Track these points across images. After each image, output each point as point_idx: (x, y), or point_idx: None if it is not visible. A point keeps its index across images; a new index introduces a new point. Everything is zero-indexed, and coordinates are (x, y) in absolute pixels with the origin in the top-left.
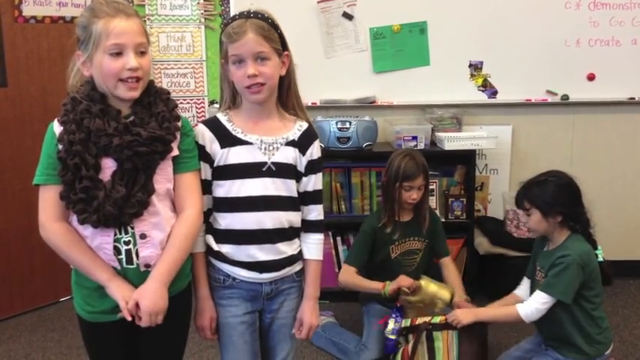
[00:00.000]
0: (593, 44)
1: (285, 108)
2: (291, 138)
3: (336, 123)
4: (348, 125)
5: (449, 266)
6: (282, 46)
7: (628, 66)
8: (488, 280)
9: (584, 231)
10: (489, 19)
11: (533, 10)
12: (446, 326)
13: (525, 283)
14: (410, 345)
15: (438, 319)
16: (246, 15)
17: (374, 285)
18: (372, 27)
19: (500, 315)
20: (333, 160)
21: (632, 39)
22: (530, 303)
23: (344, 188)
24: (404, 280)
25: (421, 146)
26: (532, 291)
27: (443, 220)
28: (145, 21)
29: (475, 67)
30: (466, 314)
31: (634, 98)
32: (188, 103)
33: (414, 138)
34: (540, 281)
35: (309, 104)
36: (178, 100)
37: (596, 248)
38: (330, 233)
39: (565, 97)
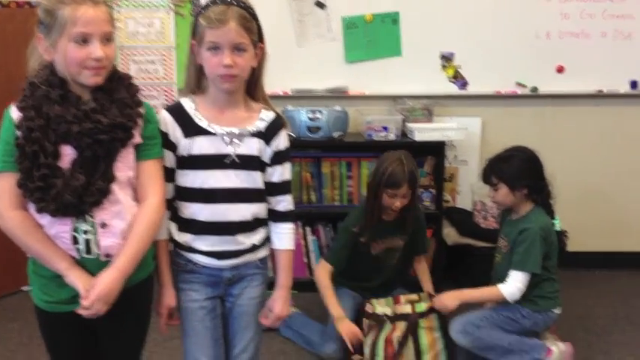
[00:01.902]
0: (563, 36)
1: (253, 98)
2: (256, 129)
3: (307, 112)
4: (318, 115)
5: (422, 262)
6: (258, 37)
7: (597, 59)
8: (456, 271)
9: (545, 203)
10: (461, 10)
11: (504, 2)
12: (431, 311)
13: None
14: (395, 342)
15: (423, 307)
16: (228, 1)
17: (331, 309)
18: (345, 16)
19: (484, 295)
20: (303, 149)
21: (602, 31)
22: (511, 283)
23: (314, 178)
24: (348, 335)
25: (392, 137)
26: (498, 258)
27: None
28: (112, 6)
29: (446, 59)
30: (451, 299)
31: (602, 91)
32: (157, 90)
33: (385, 128)
34: (504, 249)
35: (281, 93)
36: (147, 87)
37: (554, 218)
38: (299, 223)
39: (534, 89)
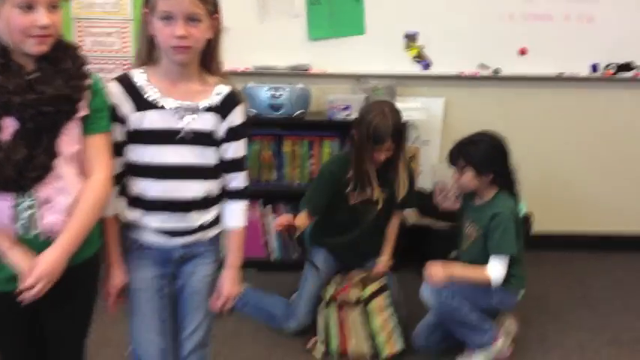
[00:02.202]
0: (527, 19)
1: (209, 72)
2: (211, 103)
3: (269, 90)
4: (280, 92)
5: (394, 220)
6: (214, 7)
7: (559, 41)
8: (415, 251)
9: (510, 188)
10: None
11: None
12: (381, 290)
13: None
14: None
15: (369, 292)
16: None
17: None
18: None
19: (472, 276)
20: (264, 127)
21: (565, 14)
22: (496, 268)
23: (275, 157)
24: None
25: (354, 116)
26: (461, 244)
27: None
28: None
29: (410, 38)
30: (439, 272)
31: (563, 73)
32: (113, 63)
33: (347, 107)
34: (471, 235)
35: (242, 70)
36: (103, 60)
37: (518, 203)
38: (259, 202)
39: (497, 71)
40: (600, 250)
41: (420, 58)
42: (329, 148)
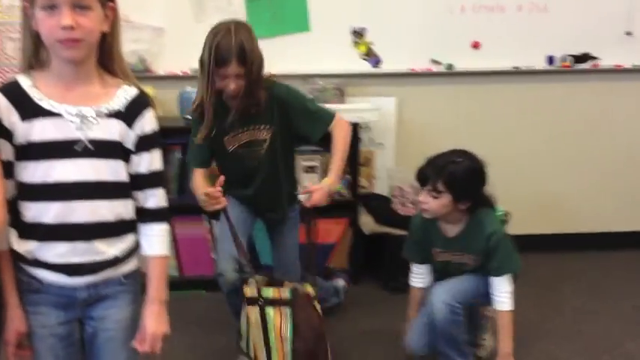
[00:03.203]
0: (478, 10)
1: (108, 72)
2: (115, 108)
3: None
4: None
5: (337, 132)
6: None
7: (513, 34)
8: (374, 261)
9: (488, 205)
10: None
11: None
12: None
13: (420, 269)
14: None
15: (270, 293)
16: None
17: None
18: None
19: (508, 333)
20: None
21: (517, 4)
22: (503, 294)
23: None
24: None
25: None
26: (441, 275)
27: None
28: None
29: (358, 34)
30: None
31: (518, 67)
32: None
33: None
34: (465, 263)
35: (180, 73)
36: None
37: (494, 207)
38: (204, 217)
39: (450, 66)
40: (568, 250)
41: (369, 56)
42: None
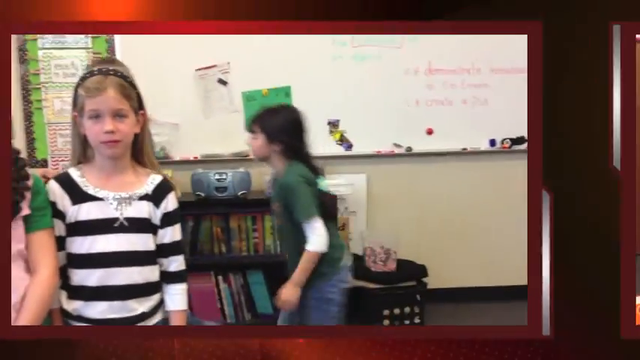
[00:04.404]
0: (430, 104)
1: (139, 163)
2: (144, 192)
3: (215, 174)
4: (225, 176)
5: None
6: (138, 104)
7: (459, 121)
8: (349, 312)
9: (305, 161)
10: (343, 83)
11: (379, 76)
12: None
13: None
14: None
15: None
16: (105, 72)
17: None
18: (244, 91)
19: (306, 266)
20: (212, 207)
21: (462, 99)
22: (310, 236)
23: (224, 232)
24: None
25: None
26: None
27: None
28: (40, 88)
29: (333, 125)
30: (290, 291)
31: (466, 149)
32: None
33: None
34: (277, 211)
35: (192, 158)
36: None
37: (319, 177)
38: (212, 273)
39: (409, 149)
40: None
41: (343, 141)
42: (270, 222)
